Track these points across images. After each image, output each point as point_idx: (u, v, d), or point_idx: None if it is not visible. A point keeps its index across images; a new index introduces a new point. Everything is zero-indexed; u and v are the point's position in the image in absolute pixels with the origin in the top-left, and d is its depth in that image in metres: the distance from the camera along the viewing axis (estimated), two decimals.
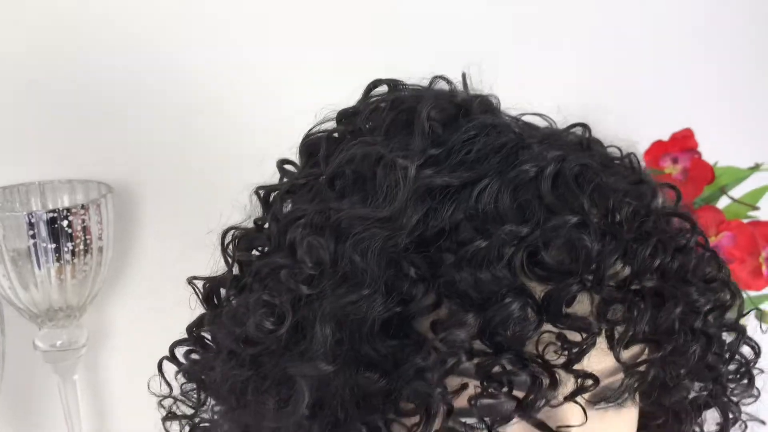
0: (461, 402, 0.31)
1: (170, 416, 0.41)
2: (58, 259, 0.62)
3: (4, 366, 0.64)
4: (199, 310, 0.44)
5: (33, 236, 0.60)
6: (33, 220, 0.60)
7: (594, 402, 0.34)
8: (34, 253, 0.61)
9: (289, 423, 0.30)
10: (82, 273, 0.64)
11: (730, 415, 0.42)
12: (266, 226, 0.38)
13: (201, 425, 0.40)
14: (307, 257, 0.30)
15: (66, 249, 0.62)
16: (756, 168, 0.82)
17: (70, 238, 0.61)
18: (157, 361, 0.41)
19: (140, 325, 0.79)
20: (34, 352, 0.68)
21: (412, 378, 0.29)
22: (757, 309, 0.83)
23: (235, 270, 0.39)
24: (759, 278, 0.81)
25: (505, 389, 0.29)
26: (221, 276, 0.40)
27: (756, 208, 0.82)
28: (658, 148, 0.80)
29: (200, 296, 0.40)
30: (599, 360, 0.31)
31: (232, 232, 0.40)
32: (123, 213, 0.74)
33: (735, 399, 0.42)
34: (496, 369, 0.29)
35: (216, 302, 0.40)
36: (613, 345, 0.31)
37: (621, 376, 0.33)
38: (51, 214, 0.60)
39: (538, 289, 0.30)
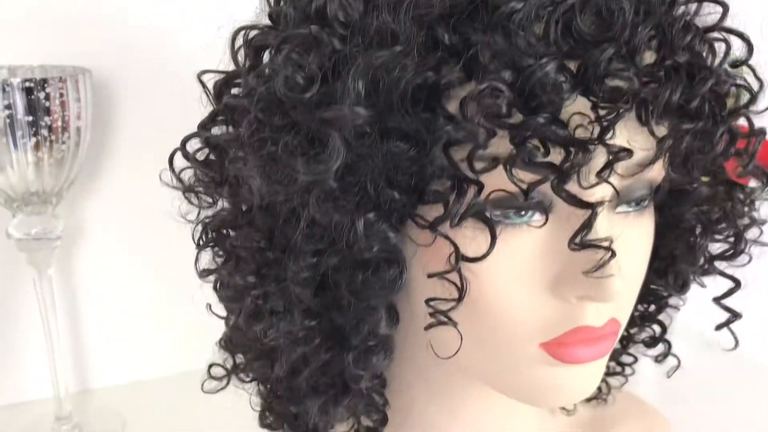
0: (490, 189, 0.30)
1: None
2: (35, 134, 0.59)
3: None
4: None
5: (8, 107, 0.57)
6: (8, 89, 0.57)
7: (616, 204, 0.34)
8: (10, 129, 0.58)
9: (318, 191, 0.29)
10: (60, 153, 0.61)
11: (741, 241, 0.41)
12: (282, 15, 0.35)
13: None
14: (339, 12, 0.29)
15: (43, 124, 0.59)
16: None
17: (48, 112, 0.59)
18: (169, 155, 0.38)
19: (115, 221, 0.77)
20: (8, 242, 0.66)
21: (442, 151, 0.29)
22: None
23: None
24: None
25: (541, 151, 0.29)
26: (234, 71, 0.38)
27: None
28: None
29: (210, 94, 0.38)
30: (630, 138, 0.31)
31: (242, 32, 0.38)
32: (101, 101, 0.71)
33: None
34: (531, 134, 0.28)
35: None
36: (648, 119, 0.30)
37: (648, 165, 0.32)
38: (27, 83, 0.57)
39: (571, 64, 0.29)
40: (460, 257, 0.31)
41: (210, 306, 0.41)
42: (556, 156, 0.29)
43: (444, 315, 0.32)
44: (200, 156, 0.37)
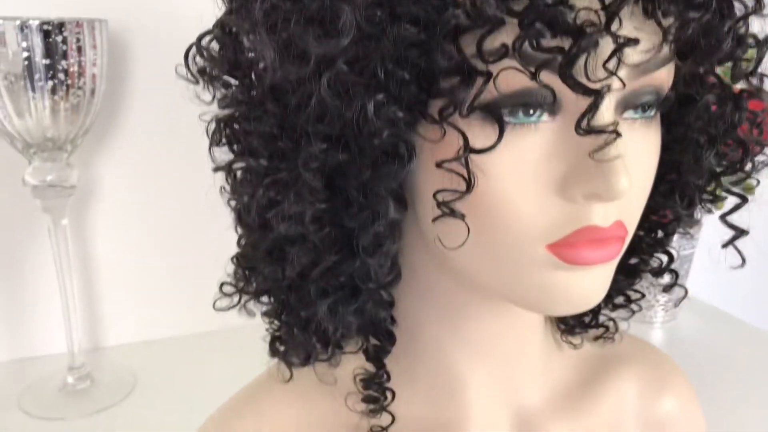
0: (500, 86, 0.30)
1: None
2: (52, 77, 0.60)
3: None
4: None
5: (26, 49, 0.58)
6: (26, 31, 0.58)
7: (622, 109, 0.34)
8: (28, 71, 0.59)
9: (329, 73, 0.29)
10: (76, 98, 0.62)
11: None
12: None
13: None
14: None
15: (60, 68, 0.60)
16: None
17: (65, 56, 0.60)
18: (184, 52, 0.37)
19: (129, 177, 0.78)
20: (24, 191, 0.67)
21: (450, 38, 0.29)
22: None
23: None
24: None
25: (549, 34, 0.29)
26: None
27: None
28: None
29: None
30: (637, 30, 0.31)
31: None
32: (116, 54, 0.72)
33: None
34: (537, 17, 0.29)
35: None
36: (654, 9, 0.30)
37: (654, 59, 0.32)
38: (45, 26, 0.58)
39: None
40: (468, 147, 0.31)
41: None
42: (564, 43, 0.30)
43: (448, 207, 0.32)
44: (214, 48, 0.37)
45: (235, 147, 0.36)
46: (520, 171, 0.33)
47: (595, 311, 0.49)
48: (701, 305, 1.02)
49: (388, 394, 0.42)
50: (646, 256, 0.47)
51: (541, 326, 0.45)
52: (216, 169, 0.37)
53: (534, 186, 0.33)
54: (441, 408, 0.43)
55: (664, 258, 0.47)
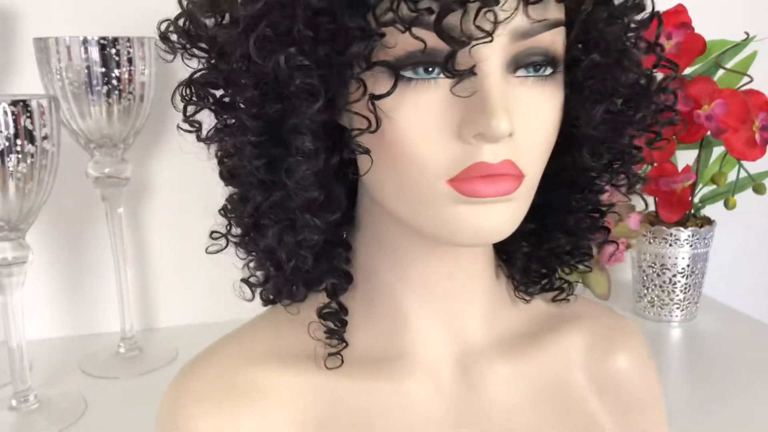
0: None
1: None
2: (107, 83, 0.72)
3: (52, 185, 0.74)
4: None
5: (86, 60, 0.71)
6: (87, 46, 0.71)
7: (513, 68, 0.41)
8: (87, 78, 0.72)
9: (254, 34, 0.38)
10: (127, 101, 0.75)
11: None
12: None
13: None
14: None
15: (113, 75, 0.72)
16: (747, 40, 0.86)
17: (117, 65, 0.72)
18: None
19: (177, 175, 0.90)
20: (87, 181, 0.80)
21: (351, 5, 0.37)
22: (755, 182, 0.87)
23: None
24: (754, 148, 0.85)
25: None
26: None
27: (749, 78, 0.86)
28: None
29: None
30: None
31: None
32: (164, 64, 0.85)
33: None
34: None
35: None
36: None
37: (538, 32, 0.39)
38: (102, 41, 0.71)
39: None
40: (368, 93, 0.39)
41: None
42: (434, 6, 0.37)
43: (356, 143, 0.40)
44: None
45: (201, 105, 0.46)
46: (421, 118, 0.40)
47: (548, 273, 0.54)
48: (719, 305, 1.03)
49: (344, 327, 0.49)
50: (580, 215, 0.52)
51: (486, 276, 0.50)
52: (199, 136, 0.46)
53: (435, 130, 0.40)
54: (391, 341, 0.49)
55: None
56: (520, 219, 0.43)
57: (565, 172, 0.49)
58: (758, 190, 0.89)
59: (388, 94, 0.39)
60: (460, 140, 0.40)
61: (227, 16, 0.41)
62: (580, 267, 0.56)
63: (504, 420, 0.49)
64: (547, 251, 0.53)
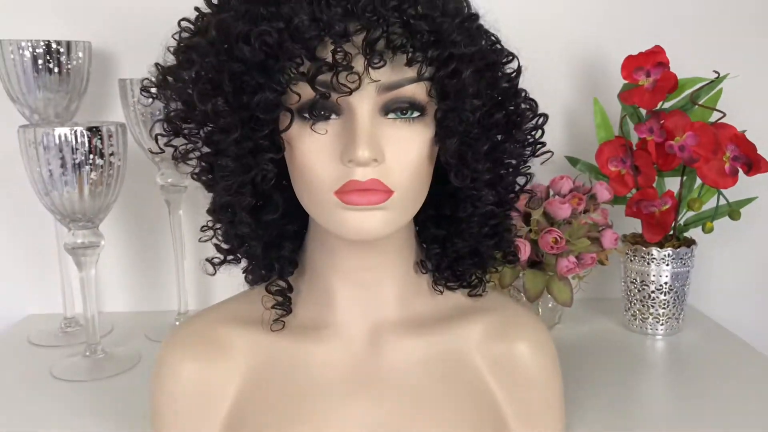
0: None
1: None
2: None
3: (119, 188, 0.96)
4: None
5: None
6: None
7: (385, 112, 0.56)
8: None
9: (200, 84, 0.56)
10: None
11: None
12: None
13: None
14: None
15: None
16: (718, 78, 0.94)
17: None
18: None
19: None
20: (156, 188, 1.02)
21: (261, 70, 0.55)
22: (731, 209, 0.94)
23: None
24: (725, 177, 0.93)
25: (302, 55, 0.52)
26: None
27: (722, 113, 0.94)
28: (631, 63, 0.95)
29: None
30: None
31: None
32: None
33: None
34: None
35: None
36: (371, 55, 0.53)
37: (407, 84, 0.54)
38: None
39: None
40: (277, 129, 0.57)
41: None
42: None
43: (265, 163, 0.58)
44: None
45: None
46: (316, 147, 0.56)
47: (463, 272, 0.68)
48: (707, 320, 1.08)
49: (287, 300, 0.66)
50: (471, 224, 0.65)
51: (400, 268, 0.65)
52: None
53: (325, 156, 0.56)
54: (322, 314, 0.65)
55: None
56: (396, 223, 0.58)
57: (456, 191, 0.63)
58: (733, 216, 0.96)
59: (286, 129, 0.56)
60: (341, 163, 0.56)
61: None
62: (490, 267, 0.69)
63: (399, 379, 0.64)
64: (453, 253, 0.67)
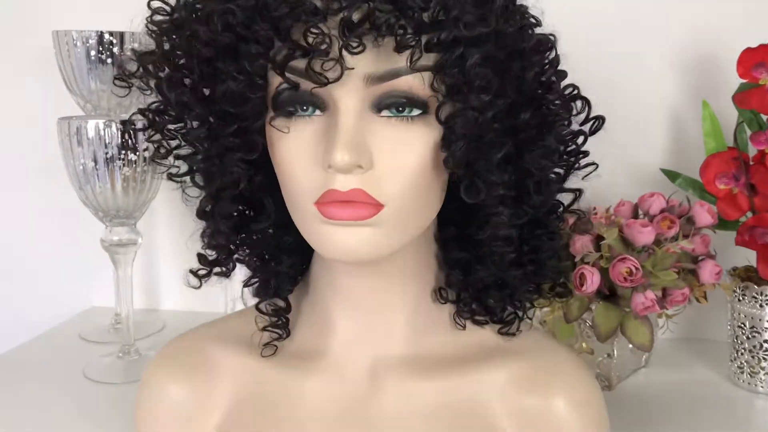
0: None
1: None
2: None
3: None
4: None
5: None
6: None
7: (377, 109, 0.46)
8: None
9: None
10: None
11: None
12: None
13: None
14: None
15: None
16: None
17: None
18: None
19: None
20: None
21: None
22: None
23: None
24: None
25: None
26: None
27: None
28: (749, 57, 0.78)
29: None
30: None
31: None
32: None
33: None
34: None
35: None
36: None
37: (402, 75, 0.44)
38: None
39: None
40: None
41: None
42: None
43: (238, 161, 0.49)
44: None
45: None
46: (297, 147, 0.47)
47: (489, 305, 0.56)
48: None
49: (282, 321, 0.57)
50: (492, 248, 0.52)
51: (411, 295, 0.54)
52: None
53: (306, 159, 0.47)
54: (320, 341, 0.56)
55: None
56: (388, 244, 0.48)
57: (473, 207, 0.51)
58: None
59: (254, 122, 0.47)
60: (322, 169, 0.46)
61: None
62: (527, 300, 0.57)
63: (398, 429, 0.53)
64: (477, 282, 0.55)
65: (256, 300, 0.60)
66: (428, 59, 0.44)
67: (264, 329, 0.57)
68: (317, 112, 0.47)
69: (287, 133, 0.48)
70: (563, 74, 0.51)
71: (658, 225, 0.76)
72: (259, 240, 0.57)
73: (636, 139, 0.93)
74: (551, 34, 0.50)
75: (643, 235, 0.72)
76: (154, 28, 0.50)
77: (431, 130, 0.47)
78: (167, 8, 0.50)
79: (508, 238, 0.51)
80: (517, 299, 0.57)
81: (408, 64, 0.44)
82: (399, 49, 0.43)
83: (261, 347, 0.57)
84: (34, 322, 1.04)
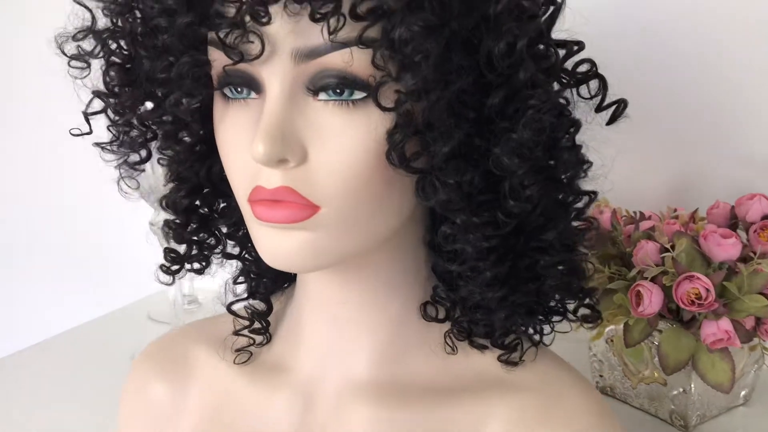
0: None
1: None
2: None
3: None
4: None
5: None
6: None
7: (313, 92, 0.39)
8: None
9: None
10: None
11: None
12: None
13: None
14: None
15: None
16: None
17: None
18: None
19: None
20: None
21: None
22: None
23: None
24: None
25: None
26: None
27: None
28: None
29: None
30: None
31: None
32: None
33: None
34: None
35: None
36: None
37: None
38: None
39: None
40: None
41: None
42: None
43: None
44: None
45: None
46: (232, 133, 0.41)
47: (486, 325, 0.47)
48: None
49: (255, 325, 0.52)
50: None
51: (387, 311, 0.47)
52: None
53: (241, 148, 0.41)
54: (291, 353, 0.51)
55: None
56: (328, 251, 0.41)
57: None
58: None
59: (197, 102, 0.42)
60: (253, 161, 0.40)
61: None
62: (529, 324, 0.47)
63: None
64: (462, 299, 0.46)
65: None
66: (354, 29, 0.36)
67: (237, 333, 0.52)
68: (252, 94, 0.41)
69: (224, 119, 0.42)
70: (569, 47, 0.41)
71: (756, 236, 0.61)
72: (239, 236, 0.52)
73: (744, 124, 0.77)
74: None
75: (723, 249, 0.57)
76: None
77: (379, 116, 0.38)
78: None
79: (480, 251, 0.42)
80: (519, 323, 0.47)
81: (327, 37, 0.36)
82: (314, 17, 0.35)
83: (234, 353, 0.52)
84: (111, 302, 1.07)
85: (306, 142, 0.39)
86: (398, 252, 0.46)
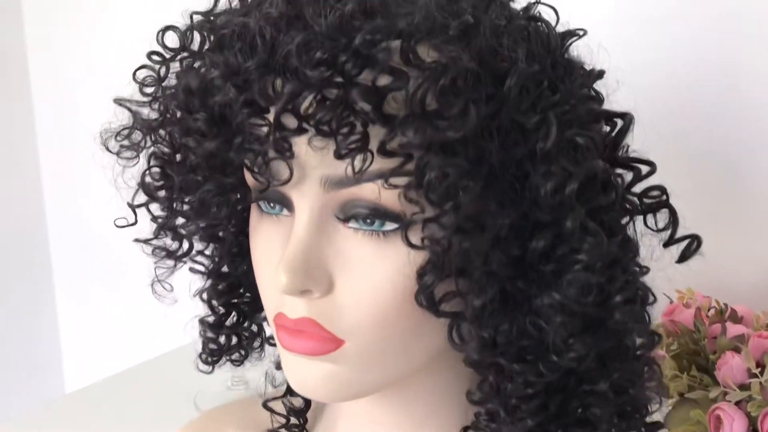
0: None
1: None
2: None
3: None
4: None
5: None
6: None
7: (343, 217, 0.36)
8: None
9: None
10: None
11: None
12: None
13: None
14: None
15: None
16: None
17: None
18: None
19: None
20: None
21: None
22: None
23: None
24: None
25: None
26: None
27: None
28: None
29: None
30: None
31: None
32: None
33: None
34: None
35: None
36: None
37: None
38: None
39: None
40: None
41: None
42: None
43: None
44: None
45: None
46: (263, 247, 0.40)
47: None
48: None
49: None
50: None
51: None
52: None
53: (270, 264, 0.38)
54: None
55: None
56: (354, 383, 0.39)
57: None
58: None
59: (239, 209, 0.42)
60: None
61: None
62: None
63: None
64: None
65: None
66: (385, 164, 0.33)
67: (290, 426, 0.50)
68: (285, 211, 0.39)
69: (257, 231, 0.40)
70: (636, 171, 0.36)
71: None
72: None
73: None
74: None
75: None
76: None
77: (401, 248, 0.35)
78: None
79: (520, 396, 0.37)
80: None
81: (352, 172, 0.33)
82: (338, 155, 0.33)
83: None
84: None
85: (333, 271, 0.36)
86: (439, 375, 0.43)
